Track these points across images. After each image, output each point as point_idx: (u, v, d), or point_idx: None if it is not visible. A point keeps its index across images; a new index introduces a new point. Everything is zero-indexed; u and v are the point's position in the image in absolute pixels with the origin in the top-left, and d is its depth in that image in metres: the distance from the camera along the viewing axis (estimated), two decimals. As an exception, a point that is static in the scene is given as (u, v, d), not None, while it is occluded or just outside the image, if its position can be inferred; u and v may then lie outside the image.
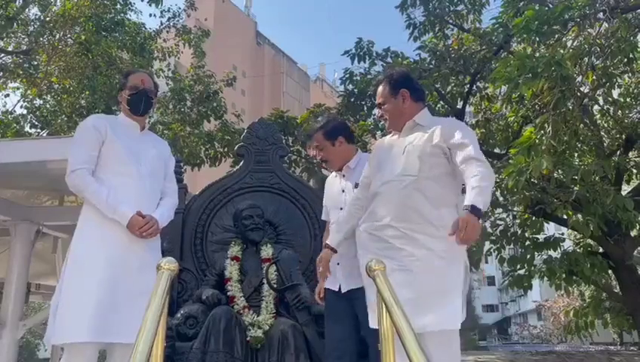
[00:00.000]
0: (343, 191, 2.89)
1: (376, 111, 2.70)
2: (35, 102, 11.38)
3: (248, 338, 3.17)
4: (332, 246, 2.67)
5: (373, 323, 2.34)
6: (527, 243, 7.92)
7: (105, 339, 2.33)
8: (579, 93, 6.28)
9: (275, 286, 3.38)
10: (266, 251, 3.61)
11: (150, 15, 11.93)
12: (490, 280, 47.97)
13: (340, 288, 2.75)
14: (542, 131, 5.43)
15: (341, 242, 2.67)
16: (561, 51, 5.60)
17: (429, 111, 2.65)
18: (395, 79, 2.62)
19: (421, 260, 2.29)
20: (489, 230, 8.17)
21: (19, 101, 11.55)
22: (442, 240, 2.28)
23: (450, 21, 8.78)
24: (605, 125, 8.70)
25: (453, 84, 8.76)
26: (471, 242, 2.19)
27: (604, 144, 8.42)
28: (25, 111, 11.37)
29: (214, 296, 3.36)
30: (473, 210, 2.12)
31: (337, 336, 2.72)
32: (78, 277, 2.35)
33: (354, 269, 2.60)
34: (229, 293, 3.45)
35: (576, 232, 7.83)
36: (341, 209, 2.82)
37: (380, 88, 2.64)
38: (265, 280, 3.40)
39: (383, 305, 1.93)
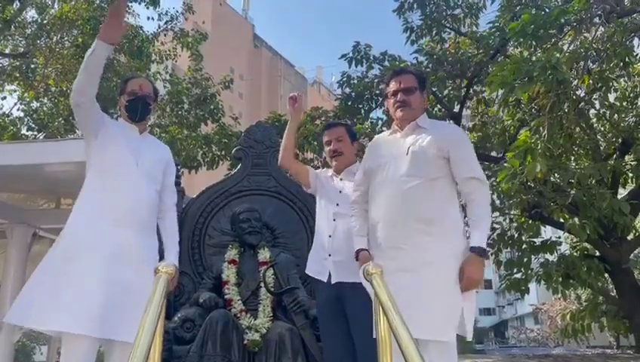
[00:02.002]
0: (341, 191, 2.91)
1: (391, 85, 2.66)
2: (32, 104, 11.39)
3: (245, 342, 3.17)
4: (365, 248, 2.58)
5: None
6: (524, 246, 7.94)
7: (102, 336, 2.32)
8: (575, 97, 6.30)
9: (272, 289, 3.38)
10: (264, 254, 3.61)
11: (148, 18, 11.95)
12: (487, 284, 47.93)
13: (329, 280, 2.76)
14: (537, 135, 5.45)
15: (365, 242, 2.60)
16: (557, 55, 5.62)
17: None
18: (424, 79, 2.72)
19: (427, 262, 2.28)
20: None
21: (16, 104, 11.58)
22: (447, 241, 2.32)
23: (447, 25, 8.82)
24: (601, 129, 8.74)
25: (450, 88, 8.79)
26: (476, 285, 2.30)
27: (601, 148, 8.46)
28: (22, 114, 11.39)
29: (211, 299, 3.36)
30: (480, 251, 2.27)
31: (336, 348, 2.73)
32: (72, 268, 2.31)
33: (343, 264, 2.66)
34: (226, 297, 3.44)
35: (572, 236, 7.85)
36: (337, 205, 2.87)
37: (408, 76, 2.63)
38: (262, 284, 3.39)
39: (380, 309, 1.93)
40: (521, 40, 6.04)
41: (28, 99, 11.23)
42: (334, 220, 2.86)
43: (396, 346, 1.75)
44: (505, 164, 5.29)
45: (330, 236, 2.83)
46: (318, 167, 9.29)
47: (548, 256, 7.90)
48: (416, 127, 2.54)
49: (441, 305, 2.24)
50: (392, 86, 2.61)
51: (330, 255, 2.78)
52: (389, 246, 2.37)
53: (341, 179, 2.98)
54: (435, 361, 2.15)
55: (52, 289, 2.30)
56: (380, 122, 9.27)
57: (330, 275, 2.77)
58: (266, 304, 3.38)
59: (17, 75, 10.65)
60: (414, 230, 2.33)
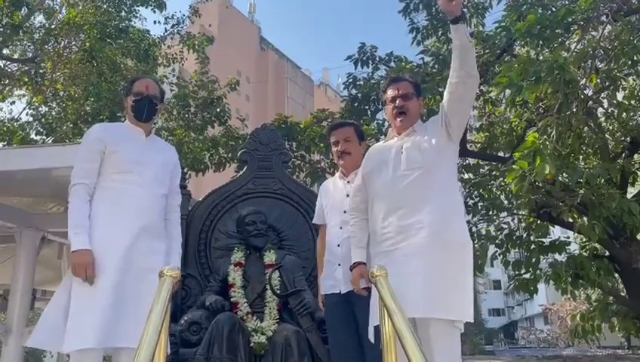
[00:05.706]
0: (348, 195, 2.90)
1: (389, 92, 2.69)
2: (40, 109, 11.47)
3: (252, 344, 3.18)
4: (363, 261, 2.60)
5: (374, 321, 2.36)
6: (533, 246, 7.88)
7: (110, 344, 2.34)
8: (582, 97, 6.26)
9: (278, 292, 3.38)
10: (270, 257, 3.61)
11: (155, 22, 12.00)
12: (496, 284, 47.69)
13: (340, 290, 2.77)
14: (545, 135, 5.41)
15: (364, 254, 2.62)
16: (565, 55, 5.58)
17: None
18: (419, 86, 2.77)
19: (430, 248, 2.31)
20: (494, 233, 8.14)
21: (24, 108, 11.65)
22: (454, 225, 2.38)
23: (453, 25, 8.76)
24: (610, 128, 8.67)
25: (456, 89, 8.72)
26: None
27: (609, 147, 8.40)
28: (30, 119, 11.48)
29: (218, 302, 3.37)
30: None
31: (344, 353, 2.73)
32: (85, 284, 2.36)
33: None
34: (232, 299, 3.45)
35: (581, 236, 7.80)
36: (344, 212, 2.85)
37: (405, 83, 2.69)
38: (268, 286, 3.40)
39: (385, 311, 1.92)
40: (528, 40, 6.01)
41: (36, 104, 11.31)
42: (341, 228, 2.85)
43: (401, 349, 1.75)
44: (513, 166, 5.25)
45: (338, 246, 2.83)
46: (325, 169, 9.31)
47: (557, 256, 7.85)
48: (412, 132, 2.60)
49: (452, 289, 2.28)
50: (390, 93, 2.66)
51: (339, 264, 2.78)
52: (392, 235, 2.40)
53: (348, 182, 2.97)
54: (438, 342, 2.17)
55: (64, 310, 2.37)
56: (386, 123, 9.25)
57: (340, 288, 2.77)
58: (272, 306, 3.38)
59: (26, 79, 10.72)
60: (417, 218, 2.36)
